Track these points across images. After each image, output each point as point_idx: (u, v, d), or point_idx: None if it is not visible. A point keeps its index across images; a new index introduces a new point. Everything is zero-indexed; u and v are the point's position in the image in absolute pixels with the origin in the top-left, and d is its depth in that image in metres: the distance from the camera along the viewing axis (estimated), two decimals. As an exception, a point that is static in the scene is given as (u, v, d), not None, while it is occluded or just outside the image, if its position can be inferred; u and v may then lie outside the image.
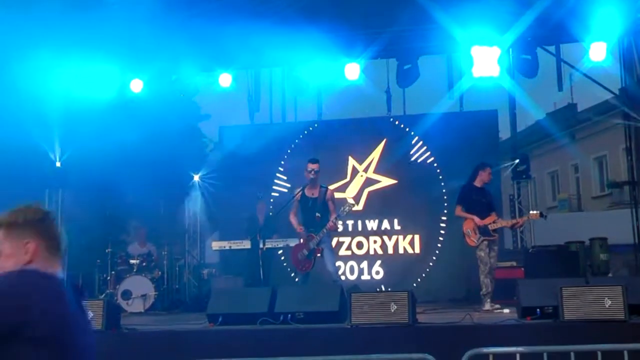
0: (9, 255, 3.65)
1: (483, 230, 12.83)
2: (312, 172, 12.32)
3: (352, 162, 18.01)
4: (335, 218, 12.29)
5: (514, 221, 13.76)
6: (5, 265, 3.65)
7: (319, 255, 12.19)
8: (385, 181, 17.87)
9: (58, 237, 3.79)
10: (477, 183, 13.33)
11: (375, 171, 17.90)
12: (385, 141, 17.89)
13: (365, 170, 17.97)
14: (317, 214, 12.35)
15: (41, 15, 13.44)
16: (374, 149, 17.98)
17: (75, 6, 13.62)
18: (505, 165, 18.35)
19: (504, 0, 14.69)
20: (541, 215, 13.19)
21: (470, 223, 12.96)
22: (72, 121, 16.16)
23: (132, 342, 9.73)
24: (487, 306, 12.43)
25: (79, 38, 14.70)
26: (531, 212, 13.48)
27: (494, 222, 12.93)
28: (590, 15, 14.75)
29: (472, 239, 12.91)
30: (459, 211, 13.28)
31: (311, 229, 12.31)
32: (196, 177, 19.00)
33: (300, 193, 12.46)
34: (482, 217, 12.92)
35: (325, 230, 12.22)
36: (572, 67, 17.22)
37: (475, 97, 18.09)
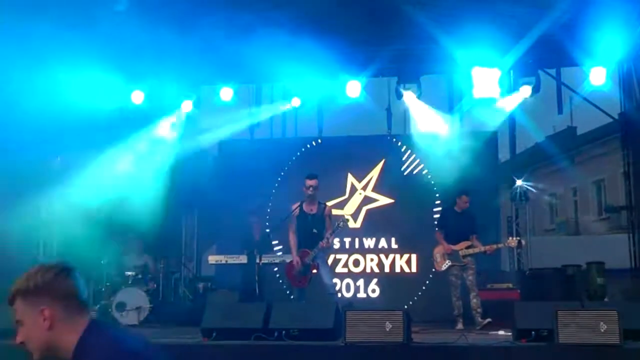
0: (29, 326, 3.48)
1: (453, 256, 13.28)
2: (311, 189, 12.31)
3: (351, 179, 18.01)
4: (331, 234, 12.28)
5: (488, 247, 13.72)
6: (31, 336, 3.49)
7: (314, 271, 12.18)
8: (383, 200, 17.87)
9: (76, 293, 3.59)
10: (457, 208, 13.77)
11: (374, 189, 17.90)
12: (385, 160, 17.89)
13: (364, 188, 17.97)
14: (314, 230, 12.35)
15: (44, 25, 13.46)
16: (374, 167, 17.98)
17: (79, 17, 13.64)
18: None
19: (504, 22, 14.74)
20: (519, 243, 13.48)
21: (440, 248, 13.50)
22: (72, 130, 16.16)
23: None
24: (459, 326, 12.95)
25: (82, 49, 14.72)
26: (509, 239, 13.81)
27: (466, 248, 13.24)
28: (590, 39, 14.82)
29: (439, 264, 13.52)
30: (437, 235, 13.78)
31: (307, 245, 12.29)
32: (195, 191, 18.94)
33: (298, 209, 12.43)
34: (454, 242, 13.33)
35: (320, 247, 12.22)
36: (573, 90, 17.27)
37: (475, 118, 18.11)
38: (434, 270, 16.48)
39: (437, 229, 14.00)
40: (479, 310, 13.05)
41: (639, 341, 9.08)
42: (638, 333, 9.19)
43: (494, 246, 13.81)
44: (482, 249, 13.56)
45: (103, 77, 16.04)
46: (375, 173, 17.99)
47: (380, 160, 17.92)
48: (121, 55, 15.32)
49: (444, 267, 13.39)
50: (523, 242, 13.70)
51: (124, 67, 16.12)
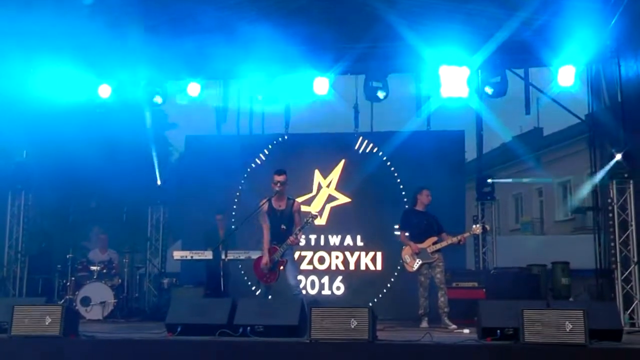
0: None
1: (422, 255, 13.19)
2: (279, 184, 12.24)
3: (317, 176, 17.98)
4: (299, 230, 12.22)
5: (458, 237, 13.68)
6: None
7: (281, 268, 12.12)
8: (342, 199, 17.87)
9: None
10: (418, 207, 13.67)
11: (339, 187, 17.86)
12: (350, 157, 17.86)
13: (328, 185, 17.95)
14: (283, 226, 12.28)
15: (13, 16, 13.36)
16: (338, 164, 17.96)
17: (46, 8, 13.53)
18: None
19: (473, 21, 14.79)
20: (484, 229, 13.42)
21: (408, 249, 13.36)
22: (38, 123, 16.04)
23: (91, 350, 9.61)
24: (424, 324, 12.91)
25: (50, 41, 14.63)
26: (473, 226, 13.71)
27: (433, 244, 13.19)
28: (559, 40, 14.89)
29: (410, 265, 13.35)
30: (402, 237, 13.63)
31: (275, 241, 12.24)
32: (160, 186, 18.83)
33: (266, 204, 12.36)
34: (421, 241, 13.25)
35: (288, 243, 12.16)
36: (540, 91, 17.33)
37: (442, 117, 18.12)
38: (398, 268, 16.57)
39: (400, 231, 13.83)
40: (445, 309, 12.97)
41: (604, 341, 9.11)
42: (603, 333, 9.22)
43: (460, 236, 13.67)
44: (450, 240, 13.46)
45: (70, 69, 15.93)
46: (337, 171, 17.96)
47: (346, 158, 17.87)
48: (88, 48, 15.23)
49: (415, 267, 13.27)
50: (487, 227, 13.62)
51: (91, 61, 16.02)
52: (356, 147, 17.96)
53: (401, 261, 13.56)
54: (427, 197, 13.64)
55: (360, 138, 18.19)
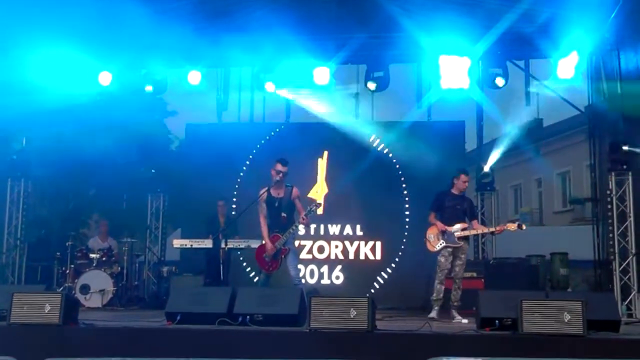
0: None
1: (447, 237, 12.72)
2: (281, 174, 12.22)
3: (317, 165, 17.99)
4: (306, 215, 12.18)
5: (491, 229, 13.63)
6: None
7: (283, 257, 12.13)
8: (324, 189, 17.94)
9: None
10: (455, 190, 13.14)
11: (338, 176, 17.88)
12: (350, 146, 17.85)
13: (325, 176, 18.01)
14: (283, 214, 12.25)
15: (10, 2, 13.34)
16: (338, 154, 17.99)
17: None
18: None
19: (473, 11, 14.79)
20: (519, 227, 13.10)
21: (434, 229, 12.85)
22: (37, 111, 16.03)
23: (90, 337, 9.62)
24: (434, 313, 12.41)
25: (49, 27, 14.59)
26: (509, 223, 13.31)
27: (462, 230, 12.80)
28: (559, 32, 14.88)
29: (432, 244, 12.82)
30: (431, 218, 13.07)
31: (277, 230, 12.23)
32: (160, 174, 18.85)
33: (265, 193, 12.35)
34: (450, 224, 12.79)
35: (291, 231, 12.16)
36: (540, 82, 17.34)
37: (443, 107, 18.16)
38: (397, 259, 16.60)
39: (430, 211, 13.22)
40: (456, 303, 12.76)
41: (601, 331, 9.15)
42: (601, 323, 9.26)
43: (495, 228, 13.49)
44: (482, 230, 13.59)
45: (70, 56, 15.89)
46: (324, 162, 18.01)
47: (345, 147, 17.86)
48: (89, 35, 15.20)
49: (437, 247, 12.77)
50: (523, 226, 13.36)
51: (92, 48, 15.99)
52: (357, 137, 17.93)
53: (424, 239, 13.02)
54: (463, 183, 13.13)
55: (361, 127, 18.19)
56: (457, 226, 12.80)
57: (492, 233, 13.61)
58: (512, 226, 12.99)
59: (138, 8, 13.56)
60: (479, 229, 13.40)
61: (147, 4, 13.74)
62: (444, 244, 12.70)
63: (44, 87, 15.89)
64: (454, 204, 13.01)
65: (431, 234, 12.88)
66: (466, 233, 12.87)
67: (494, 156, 17.80)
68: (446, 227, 12.73)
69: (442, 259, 12.71)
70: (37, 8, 13.56)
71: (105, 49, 16.27)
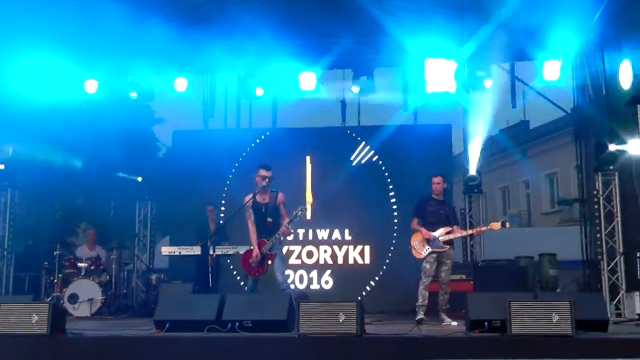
0: None
1: (433, 243, 12.60)
2: (267, 179, 12.19)
3: (304, 170, 17.99)
4: (289, 222, 12.18)
5: (472, 230, 13.59)
6: None
7: (270, 262, 12.10)
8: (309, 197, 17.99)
9: None
10: (434, 194, 13.06)
11: (325, 182, 17.90)
12: (337, 151, 17.87)
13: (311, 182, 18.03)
14: (269, 219, 12.23)
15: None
16: (325, 159, 17.99)
17: (30, 2, 13.50)
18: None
19: (458, 14, 14.81)
20: (503, 225, 13.06)
21: (418, 235, 12.76)
22: (23, 119, 15.99)
23: (78, 347, 9.57)
24: (420, 316, 12.27)
25: (33, 35, 14.56)
26: (492, 222, 13.29)
27: (446, 234, 12.67)
28: (544, 34, 14.92)
29: (418, 252, 12.69)
30: (413, 224, 12.99)
31: (263, 235, 12.21)
32: (148, 181, 18.81)
33: (251, 200, 12.33)
34: (433, 230, 12.68)
35: (277, 236, 12.13)
36: (526, 84, 17.40)
37: (430, 110, 18.20)
38: (387, 262, 16.62)
39: (413, 217, 13.12)
40: (444, 307, 12.66)
41: (590, 332, 9.16)
42: (590, 323, 9.28)
43: (476, 229, 13.56)
44: (465, 232, 13.49)
45: (55, 64, 15.86)
46: (309, 169, 18.10)
47: (333, 152, 17.86)
48: (74, 42, 15.17)
49: (424, 254, 12.62)
50: (507, 224, 13.32)
51: (77, 55, 15.96)
52: (343, 141, 17.94)
53: (409, 247, 12.91)
54: (436, 185, 13.03)
55: (348, 132, 18.23)
56: (441, 230, 12.68)
57: (472, 235, 13.54)
58: (496, 225, 12.95)
59: (123, 15, 13.54)
60: (462, 231, 13.36)
61: (132, 11, 13.72)
62: (430, 250, 12.59)
63: (29, 96, 15.84)
64: (436, 209, 12.93)
65: (415, 240, 12.79)
66: (451, 237, 12.74)
67: (474, 159, 17.72)
68: (431, 234, 12.63)
69: (427, 265, 12.61)
70: (21, 15, 13.53)
71: (90, 56, 16.25)
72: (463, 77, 16.49)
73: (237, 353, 9.17)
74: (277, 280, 12.20)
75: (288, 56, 15.94)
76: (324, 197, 17.83)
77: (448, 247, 12.73)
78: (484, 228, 13.44)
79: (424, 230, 12.71)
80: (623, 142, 13.97)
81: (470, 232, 13.52)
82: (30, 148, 17.04)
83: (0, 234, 16.89)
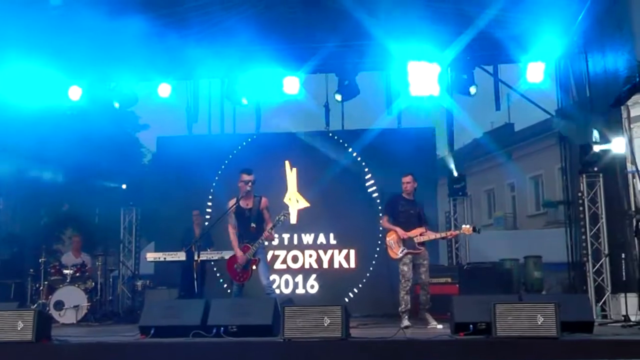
0: None
1: (408, 243, 12.53)
2: (250, 184, 12.18)
3: (289, 175, 17.99)
4: (271, 227, 12.17)
5: (445, 233, 13.56)
6: None
7: (254, 267, 12.09)
8: (302, 203, 17.95)
9: None
10: (404, 194, 12.94)
11: (308, 185, 17.95)
12: (321, 155, 17.83)
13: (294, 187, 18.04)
14: (253, 225, 12.22)
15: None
16: (309, 163, 18.02)
17: (13, 9, 13.45)
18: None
19: (441, 17, 14.83)
20: (474, 229, 13.06)
21: (394, 235, 12.66)
22: (6, 126, 15.94)
23: (63, 354, 9.54)
24: (405, 322, 12.09)
25: (16, 42, 14.52)
26: (464, 226, 13.31)
27: (420, 235, 12.60)
28: (528, 37, 14.99)
29: (395, 251, 12.59)
30: (384, 222, 12.91)
31: (246, 240, 12.20)
32: (133, 187, 18.76)
33: (234, 205, 12.32)
34: (408, 229, 12.60)
35: (260, 241, 12.12)
36: (510, 87, 17.45)
37: (413, 114, 18.23)
38: (372, 265, 16.63)
39: (383, 214, 13.14)
40: (427, 306, 12.57)
41: (575, 333, 9.18)
42: (575, 325, 9.29)
43: (449, 232, 13.55)
44: (439, 235, 13.23)
45: (39, 71, 15.82)
46: (294, 173, 18.08)
47: (314, 157, 17.86)
48: (57, 49, 15.13)
49: (400, 254, 12.50)
50: (479, 229, 13.29)
51: (61, 62, 15.92)
52: (327, 146, 17.94)
53: (385, 246, 12.86)
54: (406, 184, 12.89)
55: (332, 136, 18.23)
56: (415, 231, 12.61)
57: (444, 238, 13.51)
58: (468, 230, 12.96)
59: (105, 22, 13.52)
60: (436, 234, 13.17)
61: (114, 17, 13.70)
62: (406, 251, 12.50)
63: (13, 103, 15.80)
64: (407, 208, 12.84)
65: (391, 240, 12.69)
66: (424, 238, 12.65)
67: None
68: (407, 234, 12.54)
69: (405, 268, 12.50)
70: (3, 23, 13.48)
71: (74, 63, 16.18)
72: (446, 80, 16.56)
73: (222, 358, 9.16)
74: (262, 285, 12.20)
75: (271, 61, 15.94)
76: (309, 202, 17.83)
77: (422, 248, 12.65)
78: (456, 232, 13.70)
79: (399, 230, 12.61)
80: (607, 142, 14.03)
81: (442, 235, 13.38)
82: (15, 155, 17.00)
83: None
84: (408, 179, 12.96)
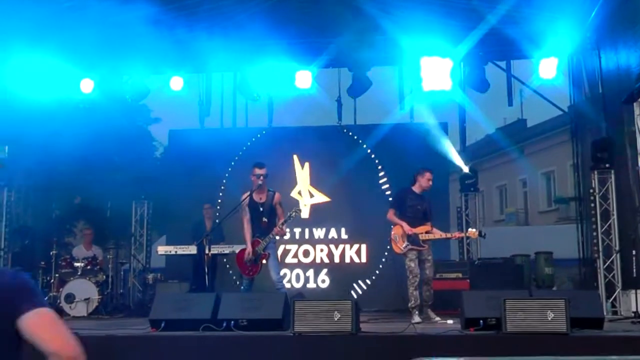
0: None
1: (412, 239, 12.46)
2: (261, 178, 12.19)
3: (302, 170, 18.00)
4: (283, 223, 12.18)
5: (451, 234, 13.39)
6: None
7: (264, 261, 12.11)
8: (319, 197, 17.93)
9: None
10: (416, 189, 12.83)
11: (321, 181, 17.97)
12: (333, 150, 17.82)
13: (307, 181, 18.01)
14: (264, 219, 12.23)
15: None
16: (321, 158, 17.99)
17: (26, 2, 13.47)
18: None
19: (454, 13, 14.81)
20: (480, 234, 13.09)
21: (399, 229, 12.58)
22: (19, 119, 15.97)
23: (73, 346, 9.56)
24: (416, 318, 12.05)
25: (30, 34, 14.54)
26: (470, 229, 13.31)
27: (426, 233, 12.52)
28: (540, 32, 14.94)
29: (398, 246, 12.54)
30: (390, 215, 12.80)
31: (258, 234, 12.21)
32: (144, 181, 18.78)
33: (247, 198, 12.34)
34: (415, 225, 12.52)
35: (271, 236, 12.13)
36: (523, 83, 17.43)
37: (426, 109, 18.18)
38: (383, 260, 16.64)
39: (390, 207, 13.00)
40: (430, 302, 12.53)
41: (585, 329, 9.18)
42: (584, 321, 9.30)
43: (455, 234, 13.49)
44: (444, 235, 13.05)
45: (51, 63, 15.85)
46: (307, 169, 18.10)
47: (326, 152, 17.83)
48: (69, 42, 15.15)
49: (403, 249, 12.45)
50: (484, 234, 13.26)
51: (73, 55, 15.94)
52: (340, 140, 17.94)
53: (389, 239, 12.85)
54: (427, 180, 12.77)
55: (344, 131, 18.23)
56: (421, 228, 12.53)
57: (449, 238, 13.42)
58: (474, 234, 13.01)
59: (116, 15, 13.52)
60: (442, 234, 12.97)
61: (124, 11, 13.70)
62: (409, 246, 12.44)
63: (25, 96, 15.83)
64: (415, 203, 12.76)
65: (396, 234, 12.62)
66: (430, 237, 12.57)
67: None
68: (412, 230, 12.44)
69: (412, 264, 12.43)
70: (15, 16, 13.50)
71: (86, 56, 16.20)
72: (459, 75, 16.54)
73: (232, 352, 9.19)
74: (272, 279, 12.21)
75: (284, 55, 15.94)
76: (314, 201, 17.87)
77: (426, 246, 12.56)
78: (461, 234, 13.80)
79: (405, 225, 12.51)
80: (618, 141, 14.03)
81: (448, 235, 13.26)
82: (27, 147, 17.03)
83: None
84: (431, 176, 12.89)
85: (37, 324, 3.40)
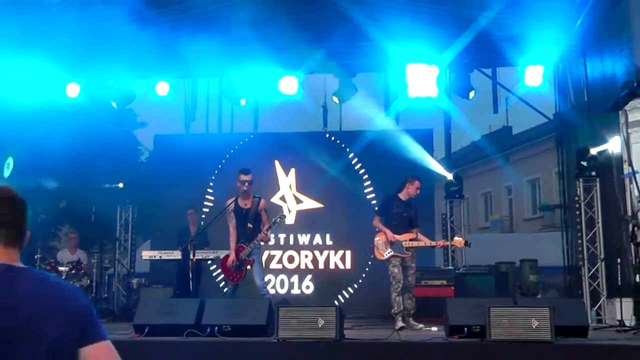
0: None
1: (395, 246, 12.47)
2: (246, 184, 12.19)
3: (282, 175, 17.97)
4: (267, 229, 12.17)
5: (435, 243, 13.29)
6: None
7: (248, 267, 12.10)
8: (308, 203, 17.91)
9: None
10: (402, 196, 12.87)
11: (307, 187, 17.90)
12: (318, 156, 17.77)
13: (291, 186, 17.97)
14: (249, 225, 12.22)
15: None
16: (306, 164, 17.93)
17: (11, 4, 13.43)
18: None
19: (439, 20, 14.82)
20: (466, 243, 13.11)
21: (383, 236, 12.62)
22: (5, 123, 15.91)
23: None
24: (399, 324, 12.02)
25: (14, 38, 14.48)
26: (456, 238, 13.31)
27: (411, 240, 12.55)
28: (526, 40, 14.96)
29: (380, 252, 12.58)
30: (375, 222, 12.89)
31: (242, 240, 12.20)
32: (129, 185, 18.73)
33: (233, 204, 12.32)
34: (400, 232, 12.55)
35: (256, 242, 12.12)
36: (508, 90, 17.47)
37: (411, 115, 18.23)
38: (372, 257, 16.58)
39: (376, 214, 13.14)
40: (412, 311, 12.56)
41: (570, 337, 9.18)
42: (569, 329, 9.30)
43: (440, 242, 13.47)
44: (429, 243, 12.99)
45: (37, 67, 15.79)
46: (302, 171, 18.04)
47: (312, 158, 17.79)
48: (55, 46, 15.10)
49: (385, 256, 12.49)
50: (470, 243, 13.25)
51: (59, 59, 15.89)
52: (325, 146, 17.92)
53: (371, 245, 12.87)
54: (416, 189, 12.84)
55: (329, 137, 18.22)
56: (406, 236, 12.56)
57: (434, 247, 13.38)
58: (460, 242, 13.03)
59: (104, 19, 13.49)
60: (426, 242, 12.95)
61: (113, 16, 13.67)
62: (392, 253, 12.46)
63: (10, 99, 15.76)
64: (401, 210, 12.79)
65: (380, 240, 12.66)
66: (414, 244, 12.61)
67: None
68: (396, 237, 12.48)
69: (396, 270, 12.44)
70: (0, 18, 13.46)
71: (72, 60, 16.14)
72: (445, 82, 16.57)
73: (216, 358, 9.17)
74: (257, 285, 12.19)
75: (270, 60, 15.91)
76: (302, 207, 17.84)
77: (410, 254, 12.58)
78: (446, 243, 13.95)
79: (389, 232, 12.56)
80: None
81: (433, 243, 13.24)
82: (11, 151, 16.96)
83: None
84: (420, 184, 12.96)
85: (100, 357, 3.31)
